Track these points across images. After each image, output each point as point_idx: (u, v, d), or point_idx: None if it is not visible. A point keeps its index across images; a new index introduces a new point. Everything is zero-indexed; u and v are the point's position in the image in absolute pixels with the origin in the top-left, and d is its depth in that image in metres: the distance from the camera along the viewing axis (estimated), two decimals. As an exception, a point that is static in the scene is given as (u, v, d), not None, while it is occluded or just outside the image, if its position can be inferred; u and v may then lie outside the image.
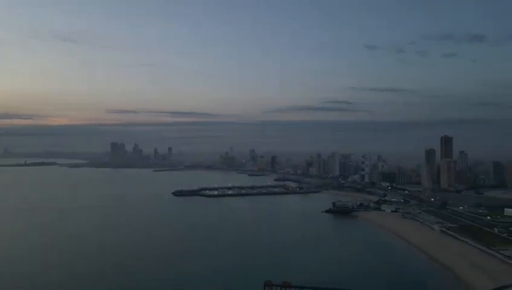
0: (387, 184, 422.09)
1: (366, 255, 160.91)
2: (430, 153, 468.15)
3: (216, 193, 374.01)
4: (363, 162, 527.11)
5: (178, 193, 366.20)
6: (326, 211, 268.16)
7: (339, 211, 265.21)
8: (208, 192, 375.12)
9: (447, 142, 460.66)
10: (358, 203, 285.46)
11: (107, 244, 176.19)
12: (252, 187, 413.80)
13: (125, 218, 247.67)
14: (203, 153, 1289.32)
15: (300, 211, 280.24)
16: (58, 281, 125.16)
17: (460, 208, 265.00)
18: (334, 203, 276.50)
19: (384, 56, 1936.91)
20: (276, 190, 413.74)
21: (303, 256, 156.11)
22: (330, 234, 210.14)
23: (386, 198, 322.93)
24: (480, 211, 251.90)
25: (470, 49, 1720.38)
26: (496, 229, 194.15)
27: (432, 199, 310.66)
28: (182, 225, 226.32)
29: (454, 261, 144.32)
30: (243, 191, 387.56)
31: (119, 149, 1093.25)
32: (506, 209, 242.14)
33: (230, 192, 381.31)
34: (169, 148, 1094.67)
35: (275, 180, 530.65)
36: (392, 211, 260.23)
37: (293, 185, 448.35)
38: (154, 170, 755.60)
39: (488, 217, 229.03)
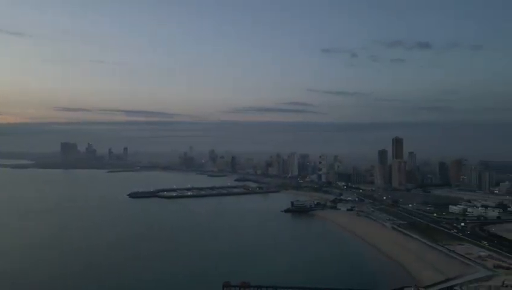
0: (343, 184, 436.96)
1: (322, 252, 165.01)
2: (382, 154, 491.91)
3: (174, 194, 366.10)
4: (320, 163, 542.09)
5: (134, 195, 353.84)
6: (285, 211, 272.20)
7: (297, 211, 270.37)
8: (165, 193, 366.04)
9: (398, 143, 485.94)
10: (315, 203, 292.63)
11: (40, 260, 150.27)
12: (211, 188, 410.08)
13: (72, 223, 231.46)
14: (160, 153, 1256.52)
15: (260, 211, 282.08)
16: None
17: (410, 205, 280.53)
18: (292, 203, 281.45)
19: (338, 60, 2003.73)
20: (236, 190, 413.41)
21: (262, 255, 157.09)
22: (288, 233, 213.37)
23: (342, 197, 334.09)
24: (428, 208, 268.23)
25: (417, 55, 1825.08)
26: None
27: (384, 198, 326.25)
28: (137, 227, 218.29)
29: (403, 256, 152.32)
30: (203, 192, 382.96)
31: (70, 149, 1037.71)
32: (450, 206, 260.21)
33: (189, 193, 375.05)
34: (125, 148, 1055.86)
35: (235, 180, 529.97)
36: (347, 210, 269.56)
37: (253, 185, 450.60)
38: (108, 171, 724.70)
39: (435, 214, 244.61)
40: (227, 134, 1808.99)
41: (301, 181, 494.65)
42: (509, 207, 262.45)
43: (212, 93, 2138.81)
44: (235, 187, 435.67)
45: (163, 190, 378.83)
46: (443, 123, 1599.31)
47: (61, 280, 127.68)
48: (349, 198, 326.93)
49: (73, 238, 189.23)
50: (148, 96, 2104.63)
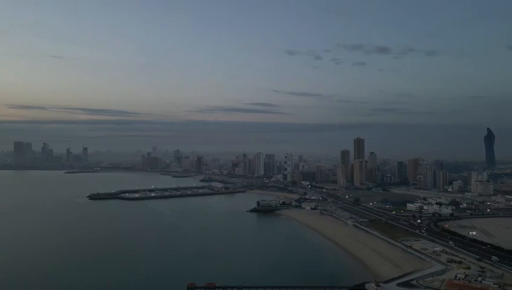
0: (308, 183, 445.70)
1: (286, 250, 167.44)
2: (344, 154, 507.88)
3: (137, 195, 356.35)
4: (285, 162, 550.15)
5: (94, 196, 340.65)
6: (251, 211, 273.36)
7: (263, 210, 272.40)
8: (128, 195, 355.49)
9: (359, 143, 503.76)
10: (281, 202, 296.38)
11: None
12: (176, 189, 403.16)
13: (26, 228, 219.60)
14: (123, 153, 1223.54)
15: (226, 211, 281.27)
16: None
17: (370, 204, 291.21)
18: (258, 203, 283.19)
19: (303, 62, 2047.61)
20: (202, 190, 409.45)
21: (227, 256, 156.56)
22: (253, 232, 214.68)
23: (306, 196, 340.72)
24: (387, 206, 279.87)
25: (377, 59, 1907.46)
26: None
27: (347, 196, 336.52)
28: (98, 230, 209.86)
29: (364, 252, 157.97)
30: (167, 193, 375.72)
31: (24, 149, 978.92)
32: (408, 204, 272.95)
33: (153, 194, 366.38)
34: (85, 148, 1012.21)
35: (200, 181, 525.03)
36: (311, 209, 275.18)
37: (219, 185, 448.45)
38: (66, 172, 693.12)
39: (393, 212, 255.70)
40: (192, 134, 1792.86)
41: (267, 181, 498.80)
42: (461, 204, 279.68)
43: (177, 92, 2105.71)
44: (200, 188, 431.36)
45: (126, 191, 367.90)
46: (401, 125, 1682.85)
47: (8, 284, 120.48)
48: (313, 197, 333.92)
49: (25, 243, 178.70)
50: (110, 95, 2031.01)
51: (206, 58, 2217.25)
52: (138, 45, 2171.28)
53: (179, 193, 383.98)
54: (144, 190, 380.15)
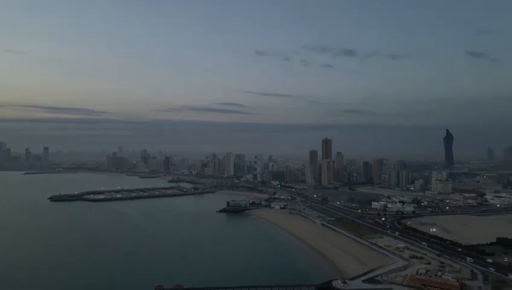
0: (277, 183, 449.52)
1: (255, 250, 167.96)
2: (313, 154, 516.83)
3: (102, 196, 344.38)
4: (255, 162, 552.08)
5: (56, 198, 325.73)
6: (221, 211, 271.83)
7: (233, 210, 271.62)
8: (92, 196, 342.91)
9: (327, 144, 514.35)
10: (250, 202, 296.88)
11: None
12: (143, 190, 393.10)
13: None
14: (87, 153, 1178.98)
15: (195, 212, 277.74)
16: None
17: (338, 203, 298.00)
18: (228, 203, 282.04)
19: (272, 62, 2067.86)
20: (170, 191, 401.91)
21: (196, 257, 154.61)
22: (223, 233, 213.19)
23: (275, 196, 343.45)
24: (353, 205, 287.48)
25: (344, 62, 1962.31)
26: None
27: (315, 196, 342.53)
28: (61, 232, 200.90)
29: (331, 250, 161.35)
30: (134, 194, 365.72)
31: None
32: (373, 202, 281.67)
33: (119, 195, 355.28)
34: (45, 148, 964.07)
35: (169, 181, 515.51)
36: (280, 208, 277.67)
37: (188, 186, 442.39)
38: (25, 173, 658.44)
39: (359, 210, 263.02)
40: (160, 134, 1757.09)
41: (237, 181, 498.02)
42: (423, 202, 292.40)
43: (145, 91, 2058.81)
44: (168, 188, 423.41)
45: (90, 193, 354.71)
46: (367, 125, 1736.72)
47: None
48: (282, 197, 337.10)
49: None
50: (73, 92, 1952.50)
51: (176, 57, 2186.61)
52: (105, 42, 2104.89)
53: (146, 193, 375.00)
54: (110, 191, 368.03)
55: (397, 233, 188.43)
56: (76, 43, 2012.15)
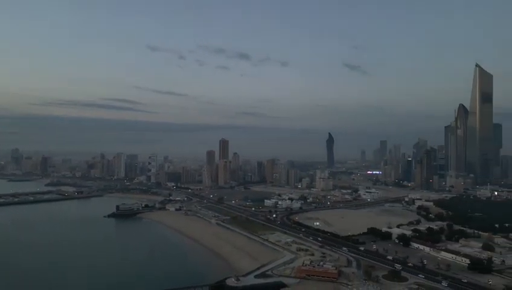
0: (173, 184, 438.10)
1: (147, 255, 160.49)
2: (210, 154, 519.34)
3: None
4: (149, 163, 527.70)
5: None
6: (109, 216, 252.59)
7: (123, 214, 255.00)
8: None
9: (224, 144, 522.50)
10: (143, 205, 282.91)
11: None
12: (14, 195, 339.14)
13: None
14: None
15: (79, 218, 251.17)
16: None
17: (233, 202, 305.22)
18: (117, 207, 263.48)
19: (166, 59, 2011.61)
20: (47, 196, 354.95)
21: (80, 268, 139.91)
22: (111, 239, 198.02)
23: (171, 197, 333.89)
24: (248, 203, 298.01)
25: (238, 64, 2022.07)
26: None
27: (211, 196, 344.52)
28: None
29: (226, 249, 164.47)
30: (1, 200, 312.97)
31: None
32: (266, 200, 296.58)
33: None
34: None
35: (46, 185, 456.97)
36: (176, 210, 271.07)
37: (70, 189, 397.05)
38: None
39: (253, 208, 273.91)
40: (37, 131, 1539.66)
41: (128, 183, 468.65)
42: (308, 199, 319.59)
43: (19, 82, 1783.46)
44: (46, 193, 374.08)
45: None
46: (261, 127, 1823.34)
47: None
48: (178, 198, 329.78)
49: None
50: None
51: (56, 45, 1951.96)
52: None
53: (17, 199, 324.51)
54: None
55: (287, 228, 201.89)
56: None
